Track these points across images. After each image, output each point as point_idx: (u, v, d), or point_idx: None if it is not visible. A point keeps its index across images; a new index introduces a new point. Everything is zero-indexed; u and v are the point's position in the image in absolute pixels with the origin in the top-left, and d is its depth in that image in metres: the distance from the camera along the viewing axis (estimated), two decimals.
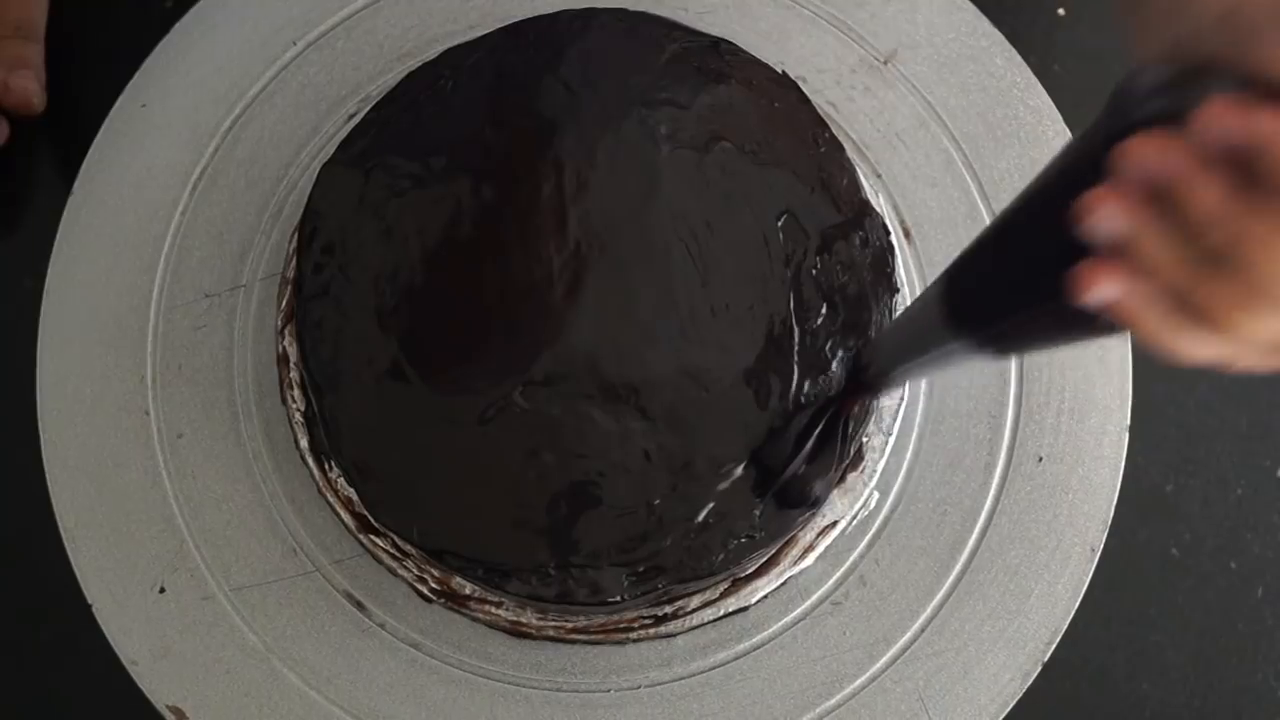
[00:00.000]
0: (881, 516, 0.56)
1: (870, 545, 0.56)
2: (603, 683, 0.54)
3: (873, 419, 0.55)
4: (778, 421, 0.50)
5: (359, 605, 0.55)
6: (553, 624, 0.53)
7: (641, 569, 0.48)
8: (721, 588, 0.54)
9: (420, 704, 0.53)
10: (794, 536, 0.54)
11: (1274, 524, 0.62)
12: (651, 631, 0.53)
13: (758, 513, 0.49)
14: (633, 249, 0.51)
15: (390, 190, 0.52)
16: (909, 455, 0.57)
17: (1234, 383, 0.63)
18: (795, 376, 0.50)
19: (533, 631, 0.53)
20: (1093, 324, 0.32)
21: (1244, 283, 0.27)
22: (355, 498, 0.51)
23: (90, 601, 0.54)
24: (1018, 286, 0.35)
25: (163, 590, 0.54)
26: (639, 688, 0.54)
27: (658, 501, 0.49)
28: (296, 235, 0.54)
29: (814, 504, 0.51)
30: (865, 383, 0.49)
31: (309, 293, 0.52)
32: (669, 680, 0.54)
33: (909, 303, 0.56)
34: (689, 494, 0.49)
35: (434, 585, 0.53)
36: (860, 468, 0.55)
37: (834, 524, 0.55)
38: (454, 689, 0.54)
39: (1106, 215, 0.28)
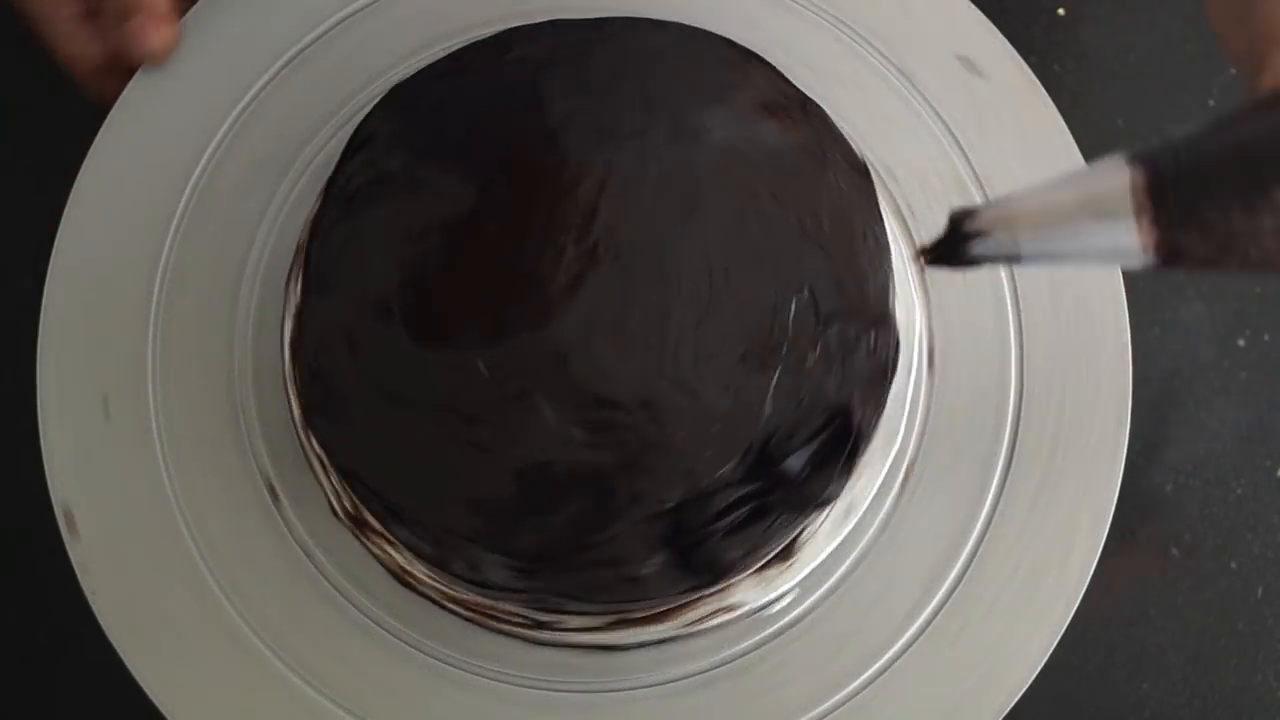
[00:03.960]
0: (788, 619, 0.55)
1: (759, 645, 0.54)
2: (455, 657, 0.54)
3: (821, 518, 0.54)
4: (712, 486, 0.49)
5: (272, 491, 0.56)
6: (435, 586, 0.53)
7: (522, 567, 0.48)
8: (606, 619, 0.53)
9: (283, 604, 0.54)
10: (692, 603, 0.53)
11: (1274, 524, 0.62)
12: (520, 631, 0.53)
13: (653, 563, 0.48)
14: (646, 268, 0.50)
15: (440, 133, 0.53)
16: (836, 577, 0.55)
17: (1234, 383, 0.64)
18: (751, 450, 0.49)
19: (415, 584, 0.54)
20: None
21: None
22: None
23: (39, 400, 0.56)
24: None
25: (107, 409, 0.56)
26: (485, 677, 0.54)
27: (563, 513, 0.48)
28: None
29: (719, 575, 0.50)
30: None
31: (334, 196, 0.53)
32: (517, 682, 0.54)
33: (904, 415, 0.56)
34: (595, 518, 0.48)
35: (346, 504, 0.54)
36: (788, 563, 0.54)
37: (735, 607, 0.54)
38: (321, 605, 0.54)
39: None
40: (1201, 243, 0.34)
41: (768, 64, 0.55)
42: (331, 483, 0.54)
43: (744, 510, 0.49)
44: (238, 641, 0.53)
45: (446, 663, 0.54)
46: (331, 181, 0.54)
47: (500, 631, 0.54)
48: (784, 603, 0.55)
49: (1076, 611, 0.53)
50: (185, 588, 0.54)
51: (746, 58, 0.55)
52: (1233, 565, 0.62)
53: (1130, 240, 0.35)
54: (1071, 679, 0.59)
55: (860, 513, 0.55)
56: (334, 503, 0.55)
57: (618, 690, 0.54)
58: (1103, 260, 0.37)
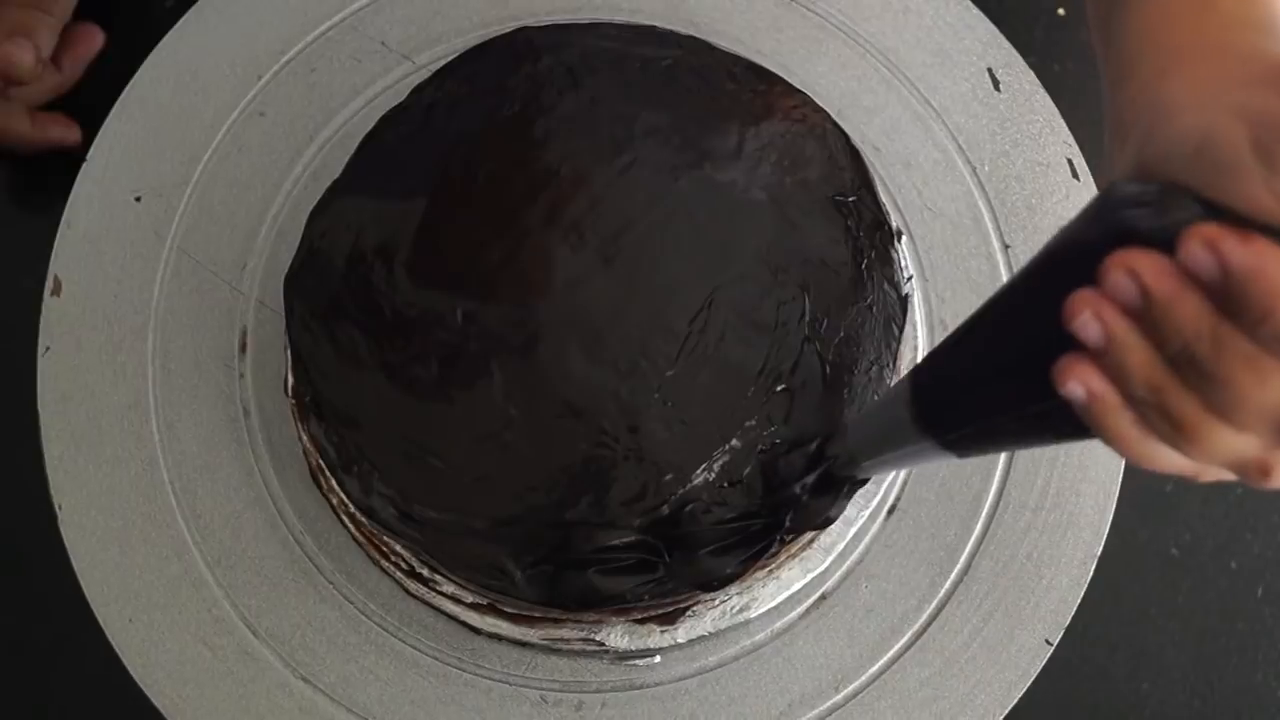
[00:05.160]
0: (753, 640, 0.55)
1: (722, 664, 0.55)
2: (415, 638, 0.55)
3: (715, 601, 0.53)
4: (608, 519, 0.47)
5: (245, 412, 0.57)
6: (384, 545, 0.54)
7: (406, 512, 0.48)
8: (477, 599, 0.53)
9: (231, 532, 0.55)
10: (556, 620, 0.53)
11: (1274, 524, 0.62)
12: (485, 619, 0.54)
13: (524, 568, 0.48)
14: (650, 293, 0.49)
15: (465, 127, 0.53)
16: (800, 610, 0.55)
17: None
18: (665, 505, 0.48)
19: (379, 559, 0.54)
20: (1061, 428, 0.32)
21: (1218, 397, 0.28)
22: None
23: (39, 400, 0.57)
24: (989, 386, 0.35)
25: (108, 408, 0.57)
26: (445, 663, 0.54)
27: (471, 477, 0.48)
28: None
29: (585, 605, 0.49)
30: (832, 473, 0.48)
31: (364, 152, 0.54)
32: (467, 668, 0.54)
33: None
34: (492, 498, 0.48)
35: (318, 459, 0.54)
36: (668, 626, 0.53)
37: (601, 644, 0.53)
38: (283, 549, 0.55)
39: (1090, 319, 0.28)
40: (964, 434, 0.37)
41: (796, 89, 0.55)
42: (314, 435, 0.53)
43: (630, 557, 0.48)
44: (318, 717, 0.54)
45: (399, 636, 0.55)
46: (358, 152, 0.54)
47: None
48: (652, 660, 0.54)
49: (1076, 611, 0.54)
50: (252, 675, 0.54)
51: (771, 81, 0.55)
52: (1233, 565, 0.61)
53: (922, 441, 0.39)
54: (1071, 679, 0.59)
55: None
56: (309, 461, 0.55)
57: (571, 691, 0.54)
58: (917, 456, 0.40)
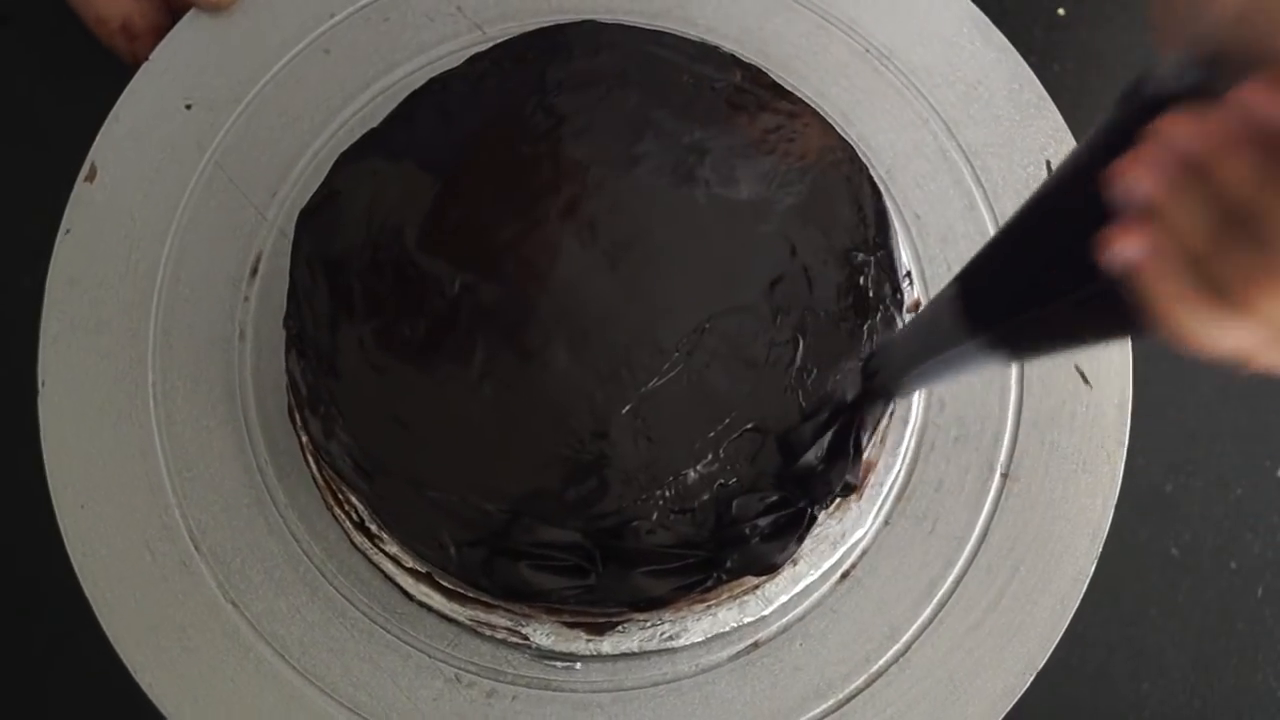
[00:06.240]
0: (675, 670, 0.54)
1: (639, 687, 0.54)
2: (349, 589, 0.55)
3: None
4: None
5: (241, 335, 0.58)
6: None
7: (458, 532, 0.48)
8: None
9: (199, 446, 0.56)
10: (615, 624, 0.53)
11: (1274, 524, 0.63)
12: (419, 587, 0.54)
13: (563, 558, 0.48)
14: (646, 301, 0.50)
15: (468, 123, 0.53)
16: (729, 652, 0.55)
17: (1234, 384, 0.64)
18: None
19: (333, 504, 0.55)
20: (1108, 317, 0.32)
21: (1268, 258, 0.27)
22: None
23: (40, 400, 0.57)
24: (1035, 276, 0.35)
25: (109, 409, 0.57)
26: (373, 619, 0.55)
27: (456, 488, 0.48)
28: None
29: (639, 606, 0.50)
30: (875, 389, 0.48)
31: (406, 108, 0.54)
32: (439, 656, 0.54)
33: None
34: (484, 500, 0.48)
35: (313, 451, 0.54)
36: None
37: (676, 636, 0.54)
38: (326, 609, 0.55)
39: (1136, 179, 0.28)
40: (1012, 329, 0.37)
41: (841, 136, 0.55)
42: (307, 428, 0.53)
43: (565, 559, 0.48)
44: (238, 642, 0.54)
45: (374, 618, 0.55)
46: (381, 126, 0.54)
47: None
48: (573, 666, 0.54)
49: (1076, 612, 0.54)
50: (185, 588, 0.54)
51: (821, 125, 0.54)
52: (1233, 565, 0.61)
53: (970, 342, 0.38)
54: (1071, 679, 0.59)
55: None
56: (307, 456, 0.55)
57: (542, 689, 0.54)
58: (964, 365, 0.40)
